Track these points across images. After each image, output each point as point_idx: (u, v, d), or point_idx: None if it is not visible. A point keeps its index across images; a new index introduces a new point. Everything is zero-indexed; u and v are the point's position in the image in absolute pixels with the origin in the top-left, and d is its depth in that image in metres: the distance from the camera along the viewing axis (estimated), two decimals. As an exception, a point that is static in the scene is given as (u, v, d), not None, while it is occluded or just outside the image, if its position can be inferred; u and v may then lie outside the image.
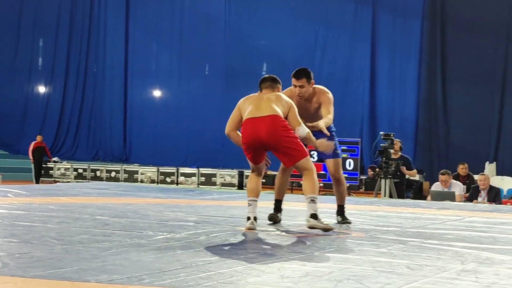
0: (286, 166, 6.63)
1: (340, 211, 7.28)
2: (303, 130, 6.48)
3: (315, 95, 6.98)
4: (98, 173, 21.72)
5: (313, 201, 6.23)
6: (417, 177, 17.05)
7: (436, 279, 4.09)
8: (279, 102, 6.44)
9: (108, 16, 25.59)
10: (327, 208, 8.54)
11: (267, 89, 6.61)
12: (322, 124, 6.74)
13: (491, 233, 6.68)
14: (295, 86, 6.88)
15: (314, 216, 6.17)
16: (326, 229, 6.19)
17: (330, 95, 6.99)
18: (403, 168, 14.36)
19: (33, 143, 22.14)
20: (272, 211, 7.06)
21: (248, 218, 6.33)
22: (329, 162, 7.18)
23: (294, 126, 6.46)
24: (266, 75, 6.78)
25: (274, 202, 7.16)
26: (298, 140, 6.38)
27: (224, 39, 23.78)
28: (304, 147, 6.43)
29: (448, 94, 20.23)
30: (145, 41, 25.27)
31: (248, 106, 6.49)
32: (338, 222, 7.15)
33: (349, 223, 7.14)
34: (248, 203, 6.42)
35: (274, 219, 6.95)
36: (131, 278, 3.76)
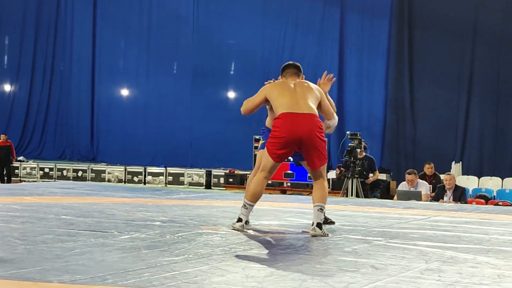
0: (312, 168, 6.30)
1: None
2: (336, 118, 6.51)
3: None
4: (64, 173, 21.57)
5: (321, 210, 6.19)
6: (384, 177, 17.15)
7: (400, 278, 4.12)
8: (313, 92, 6.35)
9: (75, 13, 25.38)
10: (293, 207, 8.55)
11: (292, 77, 6.49)
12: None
13: (456, 232, 6.73)
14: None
15: (319, 225, 6.14)
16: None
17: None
18: (369, 180, 14.59)
19: (-4, 142, 21.84)
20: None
21: (240, 220, 6.23)
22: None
23: (330, 113, 6.50)
24: (290, 62, 6.70)
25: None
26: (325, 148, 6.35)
27: (192, 37, 23.71)
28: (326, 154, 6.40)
29: (416, 94, 20.36)
30: (113, 39, 25.11)
31: (279, 96, 6.27)
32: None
33: (333, 223, 7.12)
34: (245, 205, 6.27)
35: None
36: (94, 278, 3.74)
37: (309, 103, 6.24)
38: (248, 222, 6.33)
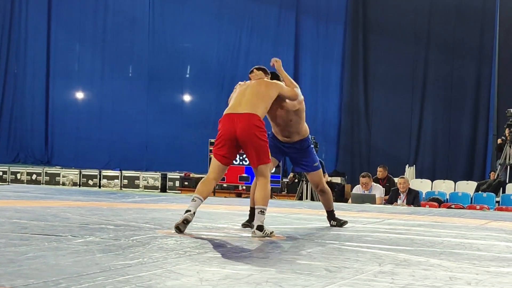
0: (252, 166, 6.47)
1: (331, 215, 7.48)
2: (297, 87, 6.81)
3: None
4: (18, 176, 21.34)
5: (262, 212, 6.24)
6: (338, 180, 17.27)
7: (354, 281, 4.16)
8: (266, 91, 6.52)
9: (30, 15, 25.12)
10: (248, 211, 8.55)
11: (254, 78, 6.71)
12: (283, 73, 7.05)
13: (409, 235, 6.81)
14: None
15: (259, 228, 6.19)
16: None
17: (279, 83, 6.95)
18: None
19: None
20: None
21: (188, 211, 6.21)
22: (312, 175, 7.27)
23: (293, 95, 6.77)
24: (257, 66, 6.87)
25: (249, 210, 7.07)
26: (267, 145, 6.38)
27: (148, 40, 23.63)
28: (269, 155, 6.44)
29: (370, 98, 20.55)
30: (67, 41, 24.89)
31: (233, 96, 6.61)
32: (336, 225, 7.39)
33: (346, 222, 7.45)
34: (193, 199, 6.34)
35: (248, 226, 6.88)
36: (47, 283, 3.71)
37: (253, 102, 6.38)
38: (194, 214, 6.27)
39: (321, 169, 7.33)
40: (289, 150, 7.10)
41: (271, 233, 6.22)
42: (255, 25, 22.27)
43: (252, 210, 6.81)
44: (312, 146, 7.23)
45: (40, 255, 4.64)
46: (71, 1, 24.71)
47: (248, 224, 6.93)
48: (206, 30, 22.83)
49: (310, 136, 7.24)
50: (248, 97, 6.44)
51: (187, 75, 23.61)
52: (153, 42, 23.52)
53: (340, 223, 7.39)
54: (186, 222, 6.17)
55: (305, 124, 7.09)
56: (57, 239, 5.49)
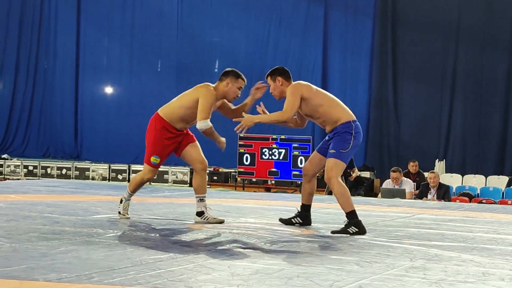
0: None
1: (350, 216, 6.45)
2: (203, 123, 6.75)
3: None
4: (49, 170, 21.47)
5: (200, 200, 6.71)
6: (368, 174, 17.20)
7: (385, 276, 4.14)
8: (186, 96, 6.87)
9: (59, 11, 25.24)
10: (277, 205, 8.57)
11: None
12: (256, 119, 6.58)
13: (440, 230, 6.76)
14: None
15: (198, 214, 6.64)
16: (218, 223, 6.53)
17: (293, 87, 6.56)
18: (352, 177, 14.67)
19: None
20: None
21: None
22: (326, 161, 6.54)
23: (198, 116, 6.74)
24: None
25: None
26: (150, 141, 6.85)
27: (176, 35, 23.65)
28: (152, 152, 6.89)
29: (399, 92, 20.42)
30: (96, 36, 24.98)
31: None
32: (342, 229, 6.39)
33: (348, 233, 6.31)
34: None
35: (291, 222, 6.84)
36: (80, 277, 3.73)
37: (170, 104, 6.91)
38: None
39: (336, 160, 6.41)
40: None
41: (208, 219, 6.55)
42: (283, 19, 22.21)
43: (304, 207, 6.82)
44: (344, 133, 6.47)
45: (72, 249, 4.67)
46: (100, -4, 24.83)
47: (296, 220, 6.82)
48: (234, 24, 22.82)
49: (350, 123, 6.56)
50: (175, 100, 7.07)
51: (216, 69, 23.60)
52: (182, 36, 23.56)
53: (346, 229, 6.32)
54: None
55: (337, 111, 6.63)
56: (89, 233, 5.53)
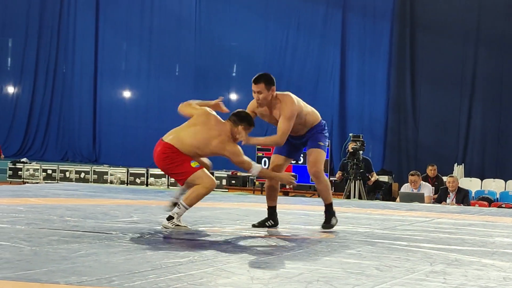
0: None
1: (328, 209, 6.82)
2: (254, 170, 6.51)
3: (278, 104, 6.47)
4: (67, 174, 21.58)
5: (179, 206, 6.35)
6: (386, 179, 17.15)
7: (405, 280, 4.13)
8: (212, 141, 6.53)
9: (78, 15, 25.39)
10: (296, 209, 8.56)
11: (228, 120, 6.54)
12: (254, 141, 6.68)
13: (460, 235, 6.73)
14: (254, 92, 6.44)
15: (168, 218, 6.36)
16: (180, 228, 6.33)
17: (292, 107, 6.43)
18: (371, 181, 14.65)
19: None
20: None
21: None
22: (311, 152, 6.68)
23: (244, 168, 6.60)
24: (241, 110, 6.63)
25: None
26: (175, 159, 6.42)
27: (194, 39, 23.72)
28: (188, 167, 6.40)
29: (417, 95, 20.37)
30: (115, 41, 25.11)
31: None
32: (324, 224, 6.79)
33: (331, 226, 6.78)
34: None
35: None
36: (100, 280, 3.75)
37: (186, 132, 6.59)
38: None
39: (323, 152, 6.69)
40: (298, 141, 6.82)
41: (176, 225, 6.31)
42: (301, 23, 22.22)
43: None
44: (322, 131, 6.74)
45: (92, 253, 4.69)
46: (119, 0, 24.93)
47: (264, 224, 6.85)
48: (252, 29, 22.84)
49: (322, 122, 6.81)
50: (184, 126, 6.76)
51: (234, 74, 23.66)
52: (200, 41, 23.61)
53: (328, 225, 6.76)
54: None
55: (314, 114, 6.73)
56: (108, 237, 5.55)
